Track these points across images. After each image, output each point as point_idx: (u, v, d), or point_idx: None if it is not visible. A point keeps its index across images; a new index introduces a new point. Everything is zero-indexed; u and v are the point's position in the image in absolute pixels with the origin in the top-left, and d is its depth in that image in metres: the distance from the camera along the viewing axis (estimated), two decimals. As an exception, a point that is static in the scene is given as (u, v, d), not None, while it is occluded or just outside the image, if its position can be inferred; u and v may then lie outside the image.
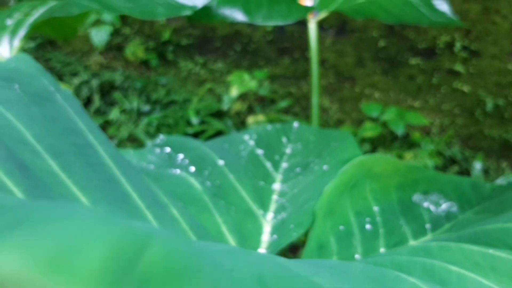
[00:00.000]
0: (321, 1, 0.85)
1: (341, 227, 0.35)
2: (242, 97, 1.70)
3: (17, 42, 0.68)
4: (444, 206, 0.36)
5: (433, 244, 0.26)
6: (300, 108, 1.74)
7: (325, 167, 0.40)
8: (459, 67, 1.64)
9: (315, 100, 0.87)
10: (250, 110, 1.71)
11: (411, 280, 0.20)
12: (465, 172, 1.62)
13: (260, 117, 1.61)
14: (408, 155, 1.56)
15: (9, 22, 0.75)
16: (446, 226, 0.35)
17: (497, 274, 0.23)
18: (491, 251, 0.24)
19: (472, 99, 1.63)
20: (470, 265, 0.23)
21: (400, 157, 1.55)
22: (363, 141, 1.63)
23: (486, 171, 1.60)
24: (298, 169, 0.43)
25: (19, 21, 0.73)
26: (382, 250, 0.34)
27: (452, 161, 1.63)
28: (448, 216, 0.35)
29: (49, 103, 0.34)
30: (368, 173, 0.37)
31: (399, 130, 1.56)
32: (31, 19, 0.71)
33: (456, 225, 0.34)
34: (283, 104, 1.73)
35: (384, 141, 1.64)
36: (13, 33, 0.71)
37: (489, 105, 1.61)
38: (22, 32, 0.69)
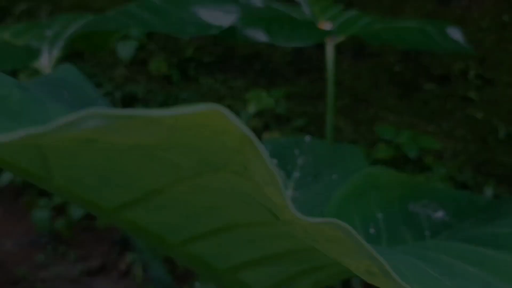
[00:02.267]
0: (339, 26, 0.90)
1: (347, 231, 0.39)
2: (259, 114, 1.75)
3: (55, 52, 0.73)
4: (442, 216, 0.40)
5: (428, 242, 0.30)
6: (315, 127, 1.78)
7: (334, 176, 0.44)
8: (472, 94, 1.67)
9: (330, 120, 0.90)
10: (266, 127, 1.76)
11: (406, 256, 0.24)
12: (476, 198, 1.63)
13: (276, 134, 1.65)
14: (420, 178, 1.58)
15: (48, 32, 0.79)
16: (443, 234, 0.38)
17: (484, 267, 0.26)
18: (480, 249, 0.28)
19: (485, 126, 1.66)
20: (460, 257, 0.27)
21: (411, 179, 1.56)
22: (376, 162, 1.66)
23: (497, 198, 1.62)
24: (309, 178, 0.47)
25: (57, 32, 0.77)
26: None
27: (464, 186, 1.65)
28: (446, 225, 0.39)
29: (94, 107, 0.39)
30: (373, 184, 0.40)
31: (412, 153, 1.59)
32: (69, 31, 0.76)
33: (453, 233, 0.38)
34: (299, 122, 1.77)
35: (396, 163, 1.67)
36: (52, 43, 0.75)
37: (502, 132, 1.63)
38: (60, 43, 0.74)
